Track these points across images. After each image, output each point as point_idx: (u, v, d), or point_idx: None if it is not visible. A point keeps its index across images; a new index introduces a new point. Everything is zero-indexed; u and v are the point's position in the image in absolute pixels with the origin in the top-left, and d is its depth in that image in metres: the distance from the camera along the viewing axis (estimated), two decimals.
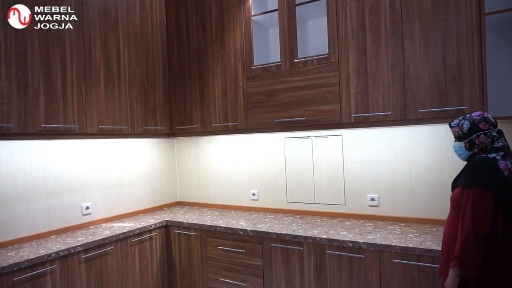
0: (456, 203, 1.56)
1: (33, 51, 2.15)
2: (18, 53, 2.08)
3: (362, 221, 2.53)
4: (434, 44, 2.04)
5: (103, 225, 2.76)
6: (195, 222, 2.73)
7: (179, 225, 2.79)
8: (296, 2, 2.52)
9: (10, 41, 2.05)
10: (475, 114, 1.59)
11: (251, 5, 2.71)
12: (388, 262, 1.97)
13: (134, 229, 2.58)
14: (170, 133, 3.18)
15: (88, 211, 2.74)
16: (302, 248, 2.23)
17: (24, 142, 2.37)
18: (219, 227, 2.57)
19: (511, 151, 1.54)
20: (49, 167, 2.50)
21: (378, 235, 2.13)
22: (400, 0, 2.13)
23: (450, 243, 1.56)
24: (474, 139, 1.56)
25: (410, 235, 2.12)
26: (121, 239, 2.48)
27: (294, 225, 2.49)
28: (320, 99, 2.40)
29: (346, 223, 2.48)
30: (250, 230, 2.42)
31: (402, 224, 2.38)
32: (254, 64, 2.70)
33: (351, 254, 2.07)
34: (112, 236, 2.41)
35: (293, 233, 2.26)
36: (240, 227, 2.49)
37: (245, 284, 2.48)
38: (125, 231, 2.52)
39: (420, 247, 1.87)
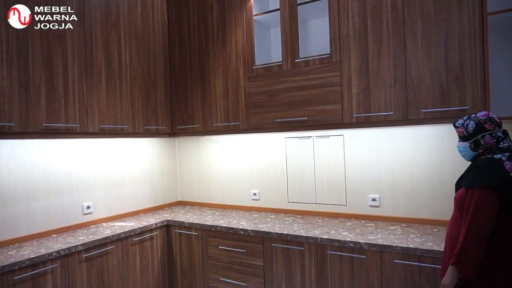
0: (459, 204, 1.55)
1: (34, 49, 2.15)
2: (19, 51, 2.08)
3: (363, 221, 2.53)
4: (436, 44, 2.04)
5: (104, 224, 2.76)
6: (196, 221, 2.73)
7: (180, 225, 2.79)
8: (298, 2, 2.52)
9: (12, 39, 2.05)
10: (481, 114, 1.57)
11: (253, 4, 2.71)
12: (389, 263, 1.96)
13: (135, 229, 2.57)
14: (172, 132, 3.18)
15: (89, 210, 2.74)
16: (303, 248, 2.23)
17: (25, 141, 2.37)
18: (220, 227, 2.57)
19: None
20: (50, 166, 2.50)
21: (379, 236, 2.13)
22: (402, 0, 2.13)
23: (453, 242, 1.55)
24: (480, 139, 1.55)
25: (411, 235, 2.11)
26: (122, 239, 2.48)
27: (295, 225, 2.49)
28: (322, 99, 2.40)
29: (347, 224, 2.48)
30: (251, 230, 2.42)
31: (403, 225, 2.38)
32: (256, 64, 2.70)
33: (352, 255, 2.06)
34: (113, 236, 2.41)
35: (294, 233, 2.25)
36: (241, 227, 2.49)
37: (245, 284, 2.48)
38: (126, 230, 2.52)
39: (421, 248, 1.87)
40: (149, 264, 2.70)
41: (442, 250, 1.81)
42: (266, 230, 2.37)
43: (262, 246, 2.39)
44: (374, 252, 2.00)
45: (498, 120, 1.56)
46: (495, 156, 1.50)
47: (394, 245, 1.94)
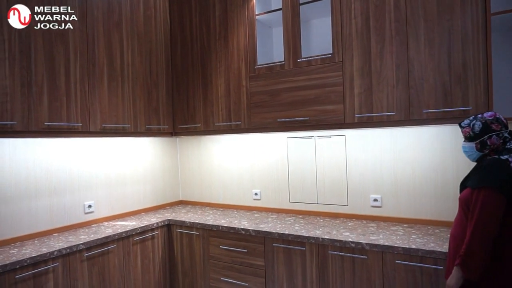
0: (464, 204, 1.54)
1: (36, 48, 2.16)
2: (22, 51, 2.09)
3: (365, 221, 2.52)
4: (439, 44, 2.03)
5: (106, 223, 2.76)
6: (197, 221, 2.73)
7: (181, 224, 2.79)
8: (300, 2, 2.51)
9: (14, 39, 2.06)
10: (487, 115, 1.56)
11: (255, 4, 2.70)
12: (391, 263, 1.96)
13: (136, 228, 2.58)
14: (173, 132, 3.18)
15: (91, 209, 2.74)
16: (304, 248, 2.22)
17: (27, 140, 2.37)
18: (221, 226, 2.57)
19: None
20: (52, 165, 2.51)
21: (381, 236, 2.12)
22: (405, 0, 2.12)
23: (458, 242, 1.54)
24: (486, 140, 1.54)
25: (413, 236, 2.11)
26: (123, 238, 2.49)
27: (296, 225, 2.49)
28: (324, 99, 2.39)
29: (349, 224, 2.47)
30: (252, 230, 2.42)
31: (405, 225, 2.37)
32: (258, 64, 2.69)
33: (354, 255, 2.06)
34: (114, 235, 2.41)
35: (295, 233, 2.25)
36: (242, 227, 2.48)
37: (247, 284, 2.47)
38: (127, 229, 2.52)
39: (423, 249, 1.86)
40: (150, 263, 2.70)
41: (444, 251, 1.81)
42: (268, 230, 2.37)
43: (263, 246, 2.39)
44: (376, 252, 2.00)
45: (504, 121, 1.55)
46: (501, 157, 1.49)
47: (396, 245, 1.93)
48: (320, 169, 2.77)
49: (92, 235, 2.38)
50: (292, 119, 2.51)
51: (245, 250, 2.47)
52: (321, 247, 2.17)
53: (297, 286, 2.26)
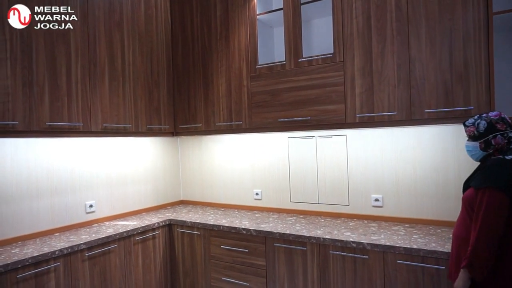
0: (468, 204, 1.53)
1: (38, 48, 2.16)
2: (23, 50, 2.09)
3: (366, 221, 2.52)
4: (440, 43, 2.02)
5: (107, 223, 2.76)
6: (198, 221, 2.73)
7: (182, 224, 2.79)
8: (301, 1, 2.51)
9: (16, 39, 2.06)
10: (492, 114, 1.55)
11: (256, 4, 2.70)
12: (392, 263, 1.96)
13: (138, 228, 2.58)
14: (174, 132, 3.18)
15: (92, 209, 2.74)
16: (305, 248, 2.22)
17: (29, 140, 2.37)
18: (222, 226, 2.57)
19: None
20: (53, 165, 2.51)
21: (382, 236, 2.12)
22: None
23: (460, 242, 1.53)
24: (491, 139, 1.53)
25: (414, 236, 2.10)
26: (125, 238, 2.49)
27: (297, 225, 2.48)
28: (325, 99, 2.39)
29: (350, 224, 2.47)
30: (253, 230, 2.42)
31: (406, 225, 2.37)
32: (259, 63, 2.69)
33: (355, 255, 2.06)
34: (115, 235, 2.41)
35: (296, 233, 2.25)
36: (243, 227, 2.48)
37: (248, 284, 2.47)
38: (128, 229, 2.52)
39: (424, 249, 1.86)
40: (151, 263, 2.70)
41: (446, 251, 1.80)
42: (269, 230, 2.36)
43: (264, 246, 2.39)
44: (377, 252, 1.99)
45: (510, 121, 1.54)
46: (506, 157, 1.48)
47: (397, 245, 1.93)
48: (321, 169, 2.77)
49: (93, 235, 2.39)
50: (293, 119, 2.50)
51: (246, 250, 2.47)
52: (322, 247, 2.16)
53: (298, 286, 2.26)
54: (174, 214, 3.04)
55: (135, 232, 2.56)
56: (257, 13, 2.71)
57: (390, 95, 2.17)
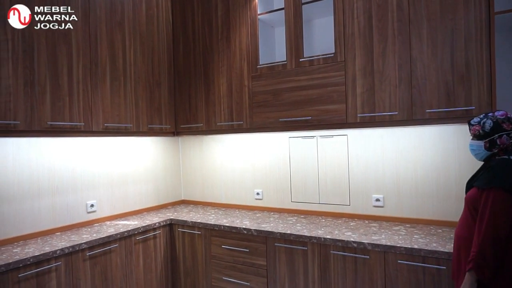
0: (471, 204, 1.51)
1: (39, 48, 2.16)
2: (25, 50, 2.09)
3: (367, 221, 2.52)
4: (442, 43, 2.02)
5: (108, 222, 2.77)
6: (199, 221, 2.73)
7: (183, 224, 2.80)
8: (303, 1, 2.51)
9: (17, 39, 2.06)
10: (499, 114, 1.54)
11: (257, 3, 2.70)
12: (393, 263, 1.95)
13: (139, 227, 2.58)
14: (175, 131, 3.19)
15: (93, 208, 2.75)
16: (306, 248, 2.22)
17: (30, 139, 2.38)
18: (223, 226, 2.57)
19: None
20: (54, 164, 2.51)
21: (383, 236, 2.12)
22: None
23: (463, 243, 1.52)
24: (496, 139, 1.51)
25: (415, 236, 2.10)
26: (126, 237, 2.49)
27: (298, 225, 2.48)
28: (326, 99, 2.39)
29: (351, 224, 2.47)
30: (254, 230, 2.42)
31: (407, 225, 2.37)
32: (260, 63, 2.69)
33: (356, 255, 2.05)
34: (116, 234, 2.42)
35: (297, 233, 2.25)
36: (244, 227, 2.48)
37: (248, 284, 2.48)
38: (129, 229, 2.52)
39: (425, 249, 1.86)
40: (152, 262, 2.70)
41: (447, 251, 1.80)
42: (269, 230, 2.37)
43: (265, 245, 2.39)
44: (378, 252, 1.99)
45: None
46: (511, 157, 1.48)
47: (398, 245, 1.93)
48: (322, 169, 2.77)
49: (94, 235, 2.39)
50: (294, 118, 2.50)
51: (247, 250, 2.47)
52: (323, 247, 2.16)
53: (299, 286, 2.26)
54: (175, 213, 3.05)
55: (136, 232, 2.56)
56: (258, 13, 2.71)
57: (391, 95, 2.17)
